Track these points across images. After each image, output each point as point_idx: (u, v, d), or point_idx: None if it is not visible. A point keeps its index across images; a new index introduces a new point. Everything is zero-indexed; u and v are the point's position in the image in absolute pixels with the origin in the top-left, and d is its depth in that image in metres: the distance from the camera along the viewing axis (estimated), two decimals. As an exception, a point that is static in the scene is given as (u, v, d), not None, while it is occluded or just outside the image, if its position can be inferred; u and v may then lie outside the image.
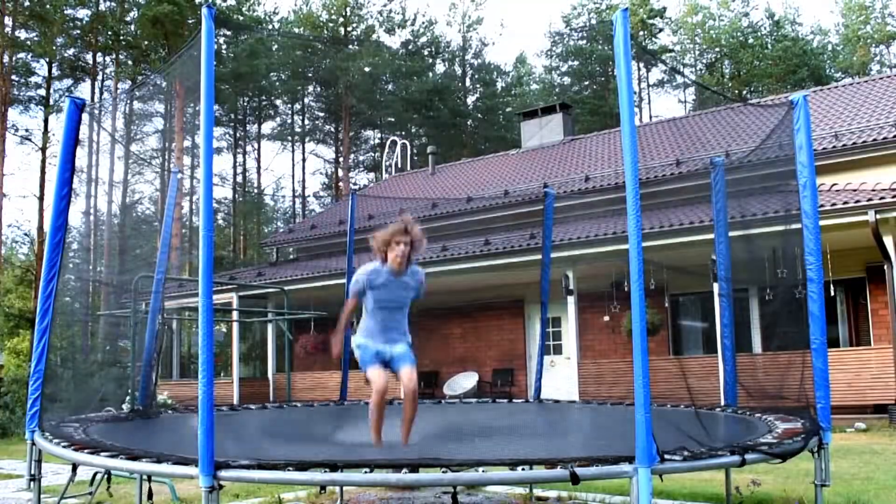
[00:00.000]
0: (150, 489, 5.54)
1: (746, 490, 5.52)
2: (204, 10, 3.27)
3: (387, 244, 4.36)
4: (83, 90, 33.00)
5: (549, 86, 45.35)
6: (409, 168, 27.94)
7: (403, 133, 40.04)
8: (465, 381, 16.68)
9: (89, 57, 32.63)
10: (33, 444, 4.34)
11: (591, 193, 16.76)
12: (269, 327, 19.30)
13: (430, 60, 43.55)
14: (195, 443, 3.04)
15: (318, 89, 41.90)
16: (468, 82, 45.07)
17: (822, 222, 4.41)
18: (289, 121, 43.55)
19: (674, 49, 44.85)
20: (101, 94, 32.43)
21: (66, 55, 31.59)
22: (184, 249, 32.15)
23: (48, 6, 28.87)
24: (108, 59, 33.01)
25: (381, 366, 4.49)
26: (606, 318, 14.69)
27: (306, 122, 43.40)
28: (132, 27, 31.79)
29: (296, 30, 39.76)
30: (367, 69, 38.32)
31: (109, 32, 31.24)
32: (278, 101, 42.36)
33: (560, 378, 15.17)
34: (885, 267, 12.16)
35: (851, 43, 42.05)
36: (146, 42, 31.12)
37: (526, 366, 16.64)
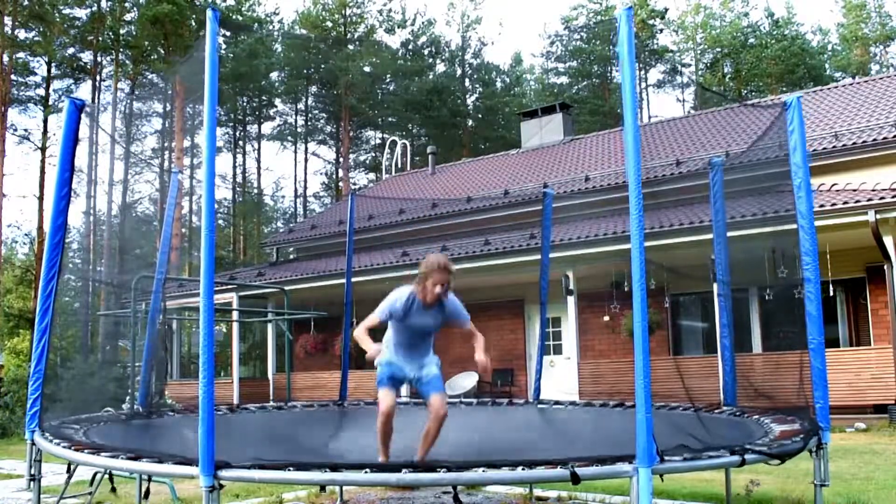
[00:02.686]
0: (147, 489, 5.54)
1: (744, 490, 5.53)
2: (209, 13, 3.27)
3: (428, 279, 4.43)
4: (83, 90, 33.05)
5: (549, 86, 45.36)
6: (409, 168, 27.94)
7: (403, 133, 40.03)
8: (464, 381, 16.67)
9: (89, 57, 32.64)
10: (33, 444, 4.34)
11: (590, 193, 16.76)
12: (269, 327, 19.29)
13: (430, 60, 43.56)
14: (196, 442, 3.04)
15: (318, 89, 41.91)
16: (467, 82, 45.08)
17: (822, 222, 4.42)
18: (289, 120, 43.58)
19: (673, 50, 44.87)
20: (100, 94, 32.45)
21: (65, 55, 31.58)
22: (184, 249, 32.15)
23: (47, 6, 28.86)
24: (107, 59, 33.00)
25: (394, 387, 4.56)
26: (606, 318, 14.69)
27: (308, 122, 43.41)
28: (132, 27, 31.78)
29: (297, 30, 39.78)
30: (367, 69, 38.33)
31: (109, 32, 31.24)
32: (278, 101, 42.38)
33: (560, 378, 15.17)
34: (885, 267, 12.16)
35: (849, 43, 42.08)
36: (146, 42, 31.11)
37: (526, 366, 16.64)
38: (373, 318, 4.56)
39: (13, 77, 29.56)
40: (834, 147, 14.60)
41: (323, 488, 6.33)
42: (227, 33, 34.62)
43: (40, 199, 28.81)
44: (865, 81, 19.18)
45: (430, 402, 4.47)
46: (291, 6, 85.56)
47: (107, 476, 5.51)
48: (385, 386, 4.51)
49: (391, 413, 4.40)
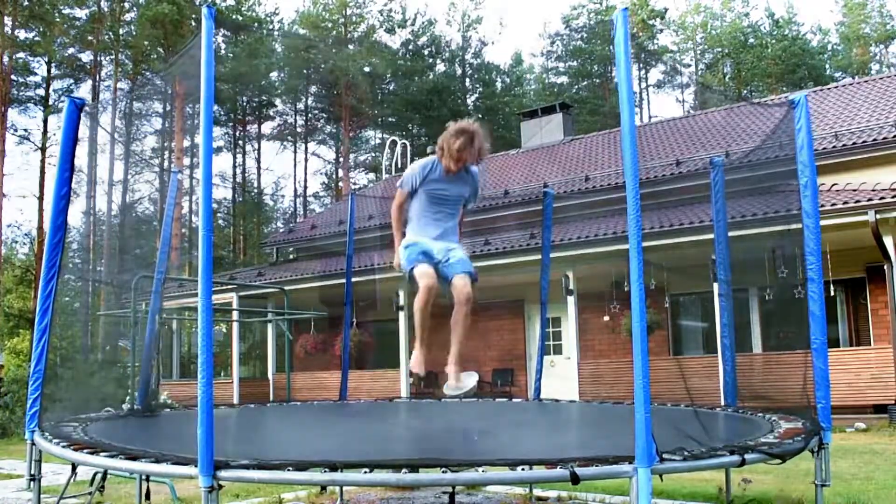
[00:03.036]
0: (147, 489, 5.54)
1: (738, 489, 5.53)
2: (204, 10, 3.26)
3: (451, 147, 3.94)
4: (83, 90, 33.05)
5: (549, 86, 45.37)
6: (409, 168, 27.90)
7: (403, 133, 40.04)
8: (465, 381, 16.66)
9: (89, 57, 32.64)
10: (33, 444, 4.33)
11: (590, 193, 16.76)
12: (269, 327, 19.29)
13: (430, 60, 43.56)
14: (195, 442, 3.04)
15: (318, 89, 41.91)
16: (468, 82, 45.08)
17: (822, 222, 4.40)
18: (289, 120, 43.57)
19: (673, 50, 44.88)
20: (99, 94, 32.44)
21: (65, 55, 31.59)
22: (184, 249, 32.15)
23: (47, 6, 28.86)
24: (107, 59, 33.01)
25: (431, 265, 4.00)
26: (606, 318, 14.68)
27: (308, 122, 43.40)
28: (132, 27, 31.79)
29: (297, 30, 39.76)
30: (367, 69, 38.33)
31: (109, 32, 31.25)
32: (278, 101, 42.37)
33: (560, 378, 15.16)
34: (885, 267, 12.16)
35: (850, 42, 42.09)
36: (146, 42, 31.11)
37: (526, 366, 16.64)
38: (399, 194, 4.20)
39: (13, 77, 29.56)
40: (834, 147, 14.60)
41: (323, 488, 6.33)
42: (228, 33, 34.63)
43: (40, 199, 28.82)
44: (865, 81, 19.17)
45: (453, 283, 3.96)
46: (291, 6, 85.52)
47: (99, 477, 5.51)
48: (421, 262, 3.96)
49: (433, 288, 3.87)
